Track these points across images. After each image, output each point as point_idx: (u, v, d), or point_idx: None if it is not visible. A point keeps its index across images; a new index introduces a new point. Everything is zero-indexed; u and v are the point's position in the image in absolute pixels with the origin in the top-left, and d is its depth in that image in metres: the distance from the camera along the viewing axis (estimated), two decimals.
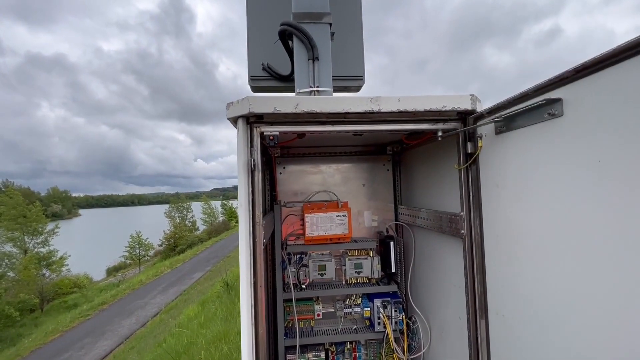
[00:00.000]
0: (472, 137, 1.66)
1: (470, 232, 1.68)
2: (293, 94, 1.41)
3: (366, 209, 2.76)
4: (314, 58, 2.49)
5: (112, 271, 37.72)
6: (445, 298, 2.07)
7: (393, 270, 2.49)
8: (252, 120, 1.59)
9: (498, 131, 1.47)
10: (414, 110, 1.59)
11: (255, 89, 3.59)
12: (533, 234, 1.29)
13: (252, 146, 1.59)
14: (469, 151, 1.66)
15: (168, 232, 41.77)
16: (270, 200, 2.63)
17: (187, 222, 45.49)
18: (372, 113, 1.58)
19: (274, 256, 2.49)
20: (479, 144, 1.58)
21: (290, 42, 2.57)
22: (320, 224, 2.41)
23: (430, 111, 1.61)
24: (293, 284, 2.47)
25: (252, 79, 3.01)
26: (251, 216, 1.57)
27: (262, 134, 1.60)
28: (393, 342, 2.37)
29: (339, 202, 2.50)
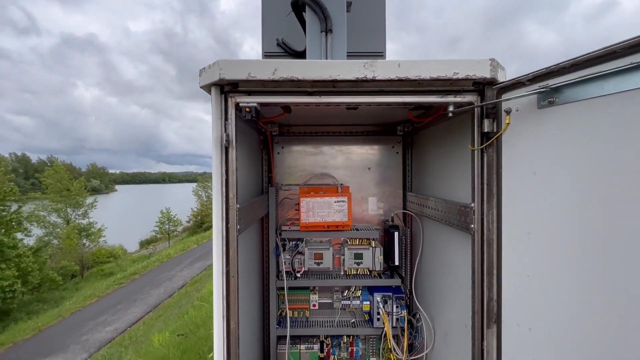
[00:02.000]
0: (491, 112, 1.35)
1: (482, 228, 1.41)
2: (272, 60, 1.18)
3: (371, 195, 2.51)
4: (327, 30, 2.30)
5: (144, 244, 40.13)
6: (451, 299, 1.82)
7: (396, 263, 2.26)
8: (227, 89, 1.38)
9: (543, 104, 1.15)
10: (417, 78, 1.30)
11: None
12: (583, 235, 1.01)
13: (226, 119, 1.39)
14: (485, 130, 1.36)
15: (195, 209, 43.49)
16: (267, 181, 2.45)
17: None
18: (365, 81, 1.31)
19: (268, 241, 2.34)
20: (506, 121, 1.28)
21: (303, 14, 2.37)
22: (317, 210, 2.21)
23: (439, 80, 1.32)
24: (286, 271, 2.31)
25: (266, 55, 2.85)
26: (224, 199, 1.40)
27: (237, 105, 1.39)
28: (391, 340, 2.17)
29: (338, 186, 2.28)
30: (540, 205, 1.17)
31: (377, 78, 1.29)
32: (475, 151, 1.41)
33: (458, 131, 1.72)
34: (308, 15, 2.29)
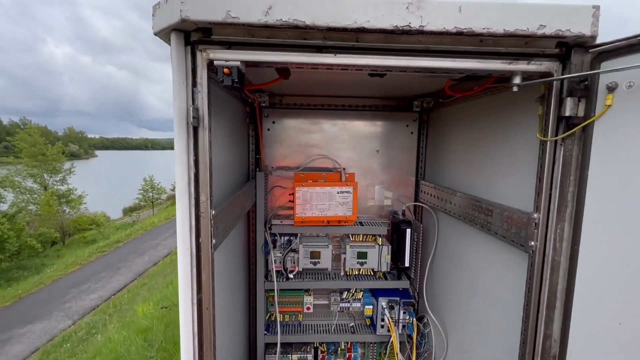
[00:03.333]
0: (577, 88, 0.94)
1: (545, 246, 1.05)
2: None
3: (378, 182, 2.12)
4: None
5: (127, 211, 39.38)
6: (476, 319, 1.52)
7: (406, 264, 1.93)
8: (196, 38, 0.90)
9: None
10: (485, 31, 0.86)
11: None
12: None
13: (194, 84, 0.92)
14: (567, 113, 0.96)
15: None
16: (254, 164, 2.01)
17: None
18: (407, 33, 0.86)
19: (255, 236, 1.95)
20: (607, 102, 0.87)
21: None
22: (315, 202, 1.81)
23: (514, 35, 0.88)
24: (277, 271, 1.95)
25: None
26: (193, 204, 0.97)
27: (211, 63, 0.92)
28: (398, 354, 1.89)
29: (342, 173, 1.87)
30: None
31: (425, 28, 0.84)
32: (548, 142, 1.01)
33: (506, 109, 1.31)
34: None
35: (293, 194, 1.80)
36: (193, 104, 0.93)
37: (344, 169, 2.02)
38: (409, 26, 0.84)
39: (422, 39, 0.90)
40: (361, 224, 1.98)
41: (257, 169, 1.94)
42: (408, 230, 1.89)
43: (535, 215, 1.05)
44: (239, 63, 0.92)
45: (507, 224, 1.21)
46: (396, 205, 2.15)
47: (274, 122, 2.01)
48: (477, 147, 1.53)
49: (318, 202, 1.81)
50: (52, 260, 22.46)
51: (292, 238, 1.98)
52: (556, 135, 1.00)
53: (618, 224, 0.88)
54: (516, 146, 1.24)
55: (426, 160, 2.10)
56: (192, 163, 0.95)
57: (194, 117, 0.91)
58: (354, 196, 1.82)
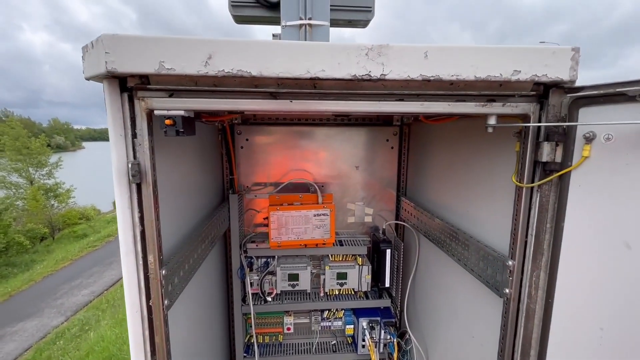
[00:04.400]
0: (555, 132, 0.87)
1: (521, 294, 1.00)
2: (205, 37, 0.60)
3: (359, 199, 2.05)
4: None
5: None
6: (456, 343, 1.49)
7: (387, 284, 1.89)
8: (133, 84, 0.80)
9: None
10: (454, 78, 0.77)
11: (237, 19, 2.82)
12: None
13: (134, 135, 0.82)
14: (544, 158, 0.89)
15: None
16: (229, 184, 1.91)
17: None
18: (369, 82, 0.77)
19: (231, 259, 1.87)
20: (583, 152, 0.80)
21: None
22: (291, 225, 1.73)
23: (484, 81, 0.80)
24: (254, 293, 1.90)
25: (234, 5, 2.37)
26: (140, 264, 0.88)
27: (150, 113, 0.82)
28: None
29: (319, 194, 1.79)
30: (634, 292, 0.76)
31: (388, 77, 0.75)
32: (524, 188, 0.95)
33: (484, 136, 1.24)
34: None
35: (267, 217, 1.72)
36: (134, 158, 0.83)
37: (321, 186, 1.93)
38: (369, 75, 0.74)
39: (386, 84, 0.81)
40: (341, 243, 1.92)
41: (231, 190, 1.84)
42: (388, 251, 1.84)
43: (510, 263, 1.00)
44: (182, 112, 0.82)
45: (483, 263, 1.16)
46: (377, 221, 2.09)
47: (247, 140, 1.90)
48: (456, 169, 1.47)
49: (294, 225, 1.73)
50: (42, 257, 22.19)
51: (269, 260, 1.92)
52: (532, 181, 0.93)
53: (592, 277, 0.83)
54: (494, 177, 1.17)
55: (407, 175, 2.04)
56: (137, 220, 0.87)
57: (133, 175, 0.81)
58: (331, 219, 1.75)
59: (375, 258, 1.94)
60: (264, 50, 0.72)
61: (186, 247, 1.16)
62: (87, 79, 0.81)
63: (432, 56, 0.75)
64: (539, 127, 0.89)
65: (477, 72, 0.77)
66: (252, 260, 1.90)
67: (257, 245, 1.82)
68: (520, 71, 0.78)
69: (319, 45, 0.72)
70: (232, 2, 2.71)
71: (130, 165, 0.81)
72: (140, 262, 0.88)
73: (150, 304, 0.90)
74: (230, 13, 2.74)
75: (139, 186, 0.85)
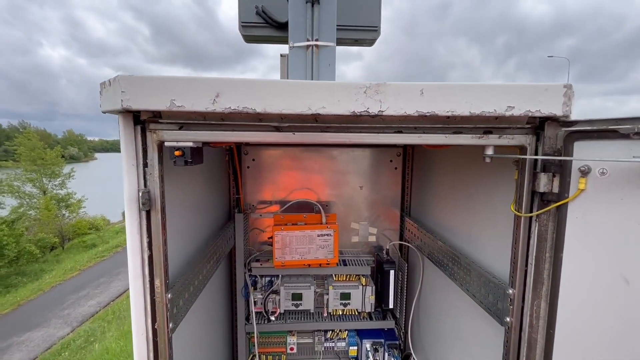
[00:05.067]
0: (552, 164, 0.89)
1: (522, 324, 1.00)
2: (212, 77, 0.65)
3: (363, 218, 2.07)
4: (313, 0, 2.00)
5: None
6: None
7: (391, 306, 1.88)
8: (146, 118, 0.85)
9: None
10: (450, 114, 0.81)
11: (247, 39, 2.94)
12: None
13: (145, 164, 0.87)
14: (541, 189, 0.90)
15: None
16: (235, 204, 1.95)
17: None
18: (368, 117, 0.81)
19: (236, 278, 1.90)
20: (579, 185, 0.82)
21: None
22: (295, 245, 1.76)
23: (478, 117, 0.83)
24: (258, 312, 1.91)
25: (244, 25, 2.47)
26: (148, 287, 0.92)
27: (161, 145, 0.87)
28: None
29: (322, 214, 1.82)
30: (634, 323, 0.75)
31: (385, 113, 0.79)
32: (522, 217, 0.96)
33: (487, 165, 1.26)
34: None
35: (272, 237, 1.75)
36: (145, 186, 0.88)
37: (325, 205, 1.96)
38: (368, 112, 0.78)
39: (384, 119, 0.85)
40: (345, 263, 1.93)
41: (237, 210, 1.88)
42: (392, 272, 1.84)
43: (511, 291, 1.00)
44: (191, 144, 0.87)
45: (484, 290, 1.16)
46: (381, 240, 2.10)
47: (253, 160, 1.96)
48: (458, 192, 1.48)
49: (298, 245, 1.76)
50: (51, 266, 22.45)
51: (273, 279, 1.94)
52: (530, 211, 0.95)
53: (592, 309, 0.84)
54: (494, 203, 1.18)
55: (411, 196, 2.05)
56: (145, 245, 0.91)
57: (143, 203, 0.86)
58: (334, 239, 1.77)
59: (379, 278, 1.94)
60: (268, 89, 0.77)
61: (192, 268, 1.19)
62: (104, 112, 0.87)
63: (427, 93, 0.79)
64: (536, 158, 0.92)
65: (472, 108, 0.80)
66: (256, 279, 1.92)
67: (261, 264, 1.85)
68: (514, 107, 0.81)
69: (319, 84, 0.77)
70: (242, 22, 2.83)
71: (140, 194, 0.86)
72: (147, 285, 0.92)
73: (155, 327, 0.93)
74: (240, 33, 2.86)
75: (148, 213, 0.89)
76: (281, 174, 2.00)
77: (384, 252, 1.97)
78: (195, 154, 0.90)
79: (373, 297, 1.91)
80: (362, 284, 1.91)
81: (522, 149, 0.94)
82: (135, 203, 0.87)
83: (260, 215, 1.92)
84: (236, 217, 1.82)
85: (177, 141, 0.86)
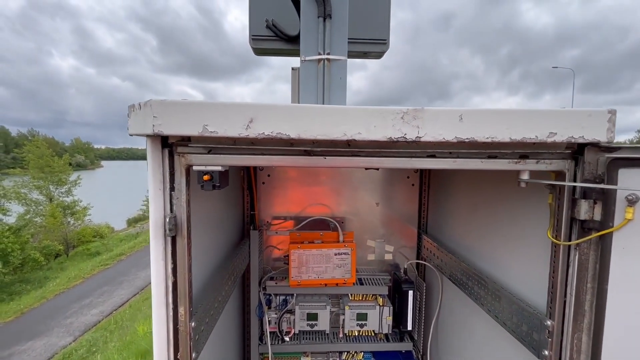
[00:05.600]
0: (593, 190, 0.85)
1: (561, 358, 0.94)
2: (246, 102, 0.62)
3: (379, 236, 2.02)
4: (325, 15, 1.98)
5: (131, 222, 39.50)
6: None
7: (409, 327, 1.82)
8: (174, 141, 0.83)
9: None
10: (489, 140, 0.78)
11: (257, 52, 2.96)
12: None
13: (172, 188, 0.85)
14: (582, 216, 0.86)
15: None
16: (249, 219, 1.93)
17: None
18: (404, 143, 0.79)
19: (250, 296, 1.85)
20: (626, 215, 0.78)
21: None
22: (311, 264, 1.72)
23: (517, 142, 0.80)
24: (272, 331, 1.85)
25: (254, 38, 2.49)
26: (171, 315, 0.88)
27: (189, 168, 0.85)
28: None
29: (340, 232, 1.78)
30: None
31: (423, 139, 0.76)
32: (561, 245, 0.92)
33: (515, 185, 1.22)
34: None
35: (288, 255, 1.71)
36: (171, 211, 0.85)
37: (341, 222, 1.92)
38: (405, 137, 0.76)
39: (420, 145, 0.83)
40: (361, 281, 1.88)
41: (252, 227, 1.85)
42: (410, 292, 1.79)
43: (549, 323, 0.95)
44: (220, 168, 0.84)
45: (516, 318, 1.11)
46: (398, 258, 2.05)
47: (269, 175, 1.94)
48: (481, 212, 1.44)
49: (314, 264, 1.72)
50: (55, 273, 22.46)
51: (288, 297, 1.89)
52: (570, 239, 0.90)
53: None
54: (524, 226, 1.14)
55: (428, 213, 2.01)
56: (169, 272, 0.87)
57: (170, 229, 0.83)
58: (352, 258, 1.73)
59: (396, 298, 1.89)
60: (302, 115, 0.75)
61: (212, 291, 1.16)
62: (132, 135, 0.85)
63: (467, 119, 0.76)
64: (576, 185, 0.88)
65: (513, 134, 0.77)
66: (271, 298, 1.88)
67: (276, 283, 1.81)
68: (556, 133, 0.78)
69: (355, 110, 0.75)
70: (253, 36, 2.86)
71: (167, 220, 0.83)
72: (171, 313, 0.88)
73: (178, 357, 0.89)
74: (250, 46, 2.88)
75: (173, 238, 0.86)
76: (296, 190, 1.97)
77: (402, 271, 1.92)
78: (222, 177, 0.87)
79: (390, 318, 1.85)
80: (379, 304, 1.86)
81: (559, 174, 0.90)
82: (161, 229, 0.85)
83: (277, 232, 1.88)
84: (251, 234, 1.79)
85: (205, 165, 0.84)
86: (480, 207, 1.45)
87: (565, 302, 0.93)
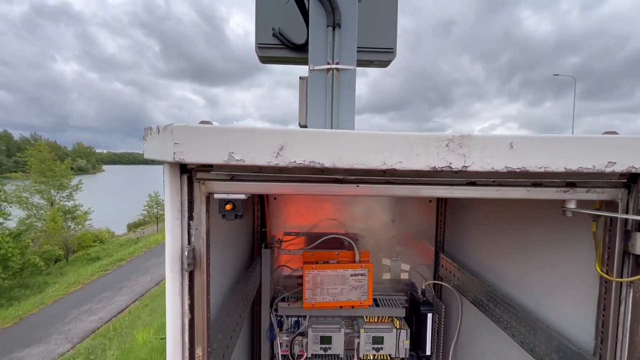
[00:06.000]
0: None
1: None
2: (276, 128, 0.55)
3: (394, 254, 1.94)
4: (334, 24, 1.95)
5: (132, 227, 39.40)
6: None
7: (428, 352, 1.73)
8: (194, 167, 0.77)
9: None
10: (542, 170, 0.71)
11: (263, 60, 2.93)
12: None
13: (190, 217, 0.78)
14: (637, 251, 0.79)
15: None
16: (259, 239, 1.85)
17: None
18: (449, 172, 0.72)
19: (260, 318, 1.77)
20: None
21: (307, 2, 2.03)
22: (326, 285, 1.64)
23: (571, 173, 0.73)
24: (283, 355, 1.76)
25: (260, 47, 2.48)
26: (187, 356, 0.81)
27: (209, 196, 0.78)
28: None
29: (356, 252, 1.70)
30: None
31: (470, 169, 0.69)
32: (613, 282, 0.84)
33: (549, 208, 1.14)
34: (312, 5, 1.91)
35: (302, 276, 1.63)
36: (189, 243, 0.78)
37: (355, 240, 1.85)
38: (450, 167, 0.69)
39: (463, 175, 0.76)
40: (376, 302, 1.80)
41: (263, 245, 1.78)
42: (429, 315, 1.71)
43: None
44: (243, 196, 0.77)
45: (557, 356, 1.02)
46: (414, 277, 1.97)
47: None
48: (508, 233, 1.36)
49: (329, 286, 1.63)
50: (55, 279, 22.32)
51: (300, 319, 1.80)
52: (621, 276, 0.83)
53: None
54: (563, 255, 1.06)
55: (445, 231, 1.93)
56: (186, 308, 0.80)
57: (189, 263, 0.76)
58: (369, 279, 1.65)
59: (413, 320, 1.80)
60: (337, 142, 0.68)
61: (226, 322, 1.08)
62: (147, 159, 0.78)
63: (518, 147, 0.69)
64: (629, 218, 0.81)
65: (568, 163, 0.70)
66: (282, 319, 1.79)
67: (289, 304, 1.72)
68: (615, 162, 0.71)
69: (395, 136, 0.68)
70: (259, 44, 2.83)
71: (186, 253, 0.76)
72: (187, 354, 0.81)
73: None
74: (256, 54, 2.85)
75: (191, 273, 0.79)
76: (308, 206, 1.90)
77: (420, 292, 1.84)
78: (245, 206, 0.80)
79: (407, 342, 1.76)
80: (395, 327, 1.77)
81: (610, 204, 0.83)
82: (178, 262, 0.77)
83: (290, 251, 1.80)
84: (263, 252, 1.71)
85: (228, 193, 0.77)
86: (507, 228, 1.38)
87: (616, 342, 0.85)
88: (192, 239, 0.79)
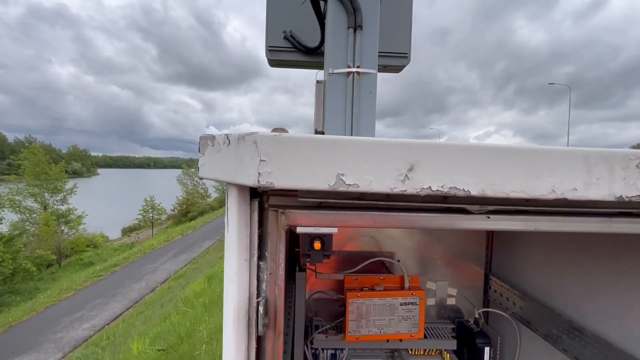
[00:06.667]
0: None
1: None
2: (403, 140, 0.34)
3: (440, 277, 1.73)
4: (355, 26, 1.89)
5: (127, 231, 38.86)
6: None
7: None
8: (271, 192, 0.56)
9: None
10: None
11: (273, 63, 2.79)
12: None
13: (260, 257, 0.57)
14: None
15: (180, 198, 42.06)
16: (292, 261, 1.63)
17: (199, 188, 45.31)
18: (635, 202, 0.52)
19: (292, 350, 1.54)
20: None
21: (322, 3, 1.96)
22: (372, 316, 1.42)
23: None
24: None
25: (271, 49, 2.42)
26: None
27: (289, 230, 0.58)
28: None
29: (405, 277, 1.49)
30: None
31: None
32: None
33: None
34: (330, 6, 1.83)
35: (345, 305, 1.41)
36: (258, 294, 0.57)
37: (397, 261, 1.64)
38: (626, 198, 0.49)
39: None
40: (425, 336, 1.58)
41: (297, 267, 1.56)
42: (487, 349, 1.49)
43: None
44: (335, 230, 0.57)
45: None
46: (461, 303, 1.76)
47: None
48: (587, 255, 1.17)
49: (376, 317, 1.42)
50: (47, 284, 21.81)
51: (337, 352, 1.58)
52: None
53: None
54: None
55: (493, 251, 1.73)
56: None
57: (265, 324, 0.55)
58: (421, 308, 1.44)
59: (465, 354, 1.59)
60: (491, 159, 0.48)
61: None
62: (203, 178, 0.58)
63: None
64: None
65: None
66: (317, 352, 1.57)
67: (327, 337, 1.50)
68: None
69: (572, 152, 0.48)
70: (270, 47, 2.68)
71: (261, 310, 0.55)
72: None
73: None
74: (266, 57, 2.69)
75: (260, 338, 0.58)
76: (344, 227, 1.69)
77: (473, 320, 1.63)
78: (330, 250, 0.60)
79: None
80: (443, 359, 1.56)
81: None
82: (244, 319, 0.56)
83: (329, 275, 1.59)
84: (297, 276, 1.49)
85: (315, 225, 0.56)
86: (593, 257, 1.18)
87: None
88: (264, 286, 0.58)
